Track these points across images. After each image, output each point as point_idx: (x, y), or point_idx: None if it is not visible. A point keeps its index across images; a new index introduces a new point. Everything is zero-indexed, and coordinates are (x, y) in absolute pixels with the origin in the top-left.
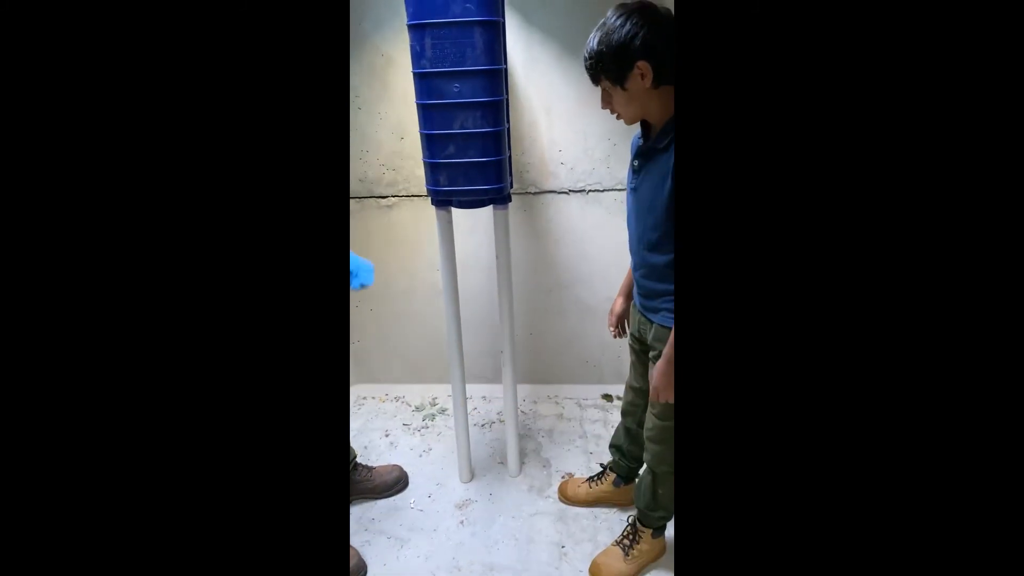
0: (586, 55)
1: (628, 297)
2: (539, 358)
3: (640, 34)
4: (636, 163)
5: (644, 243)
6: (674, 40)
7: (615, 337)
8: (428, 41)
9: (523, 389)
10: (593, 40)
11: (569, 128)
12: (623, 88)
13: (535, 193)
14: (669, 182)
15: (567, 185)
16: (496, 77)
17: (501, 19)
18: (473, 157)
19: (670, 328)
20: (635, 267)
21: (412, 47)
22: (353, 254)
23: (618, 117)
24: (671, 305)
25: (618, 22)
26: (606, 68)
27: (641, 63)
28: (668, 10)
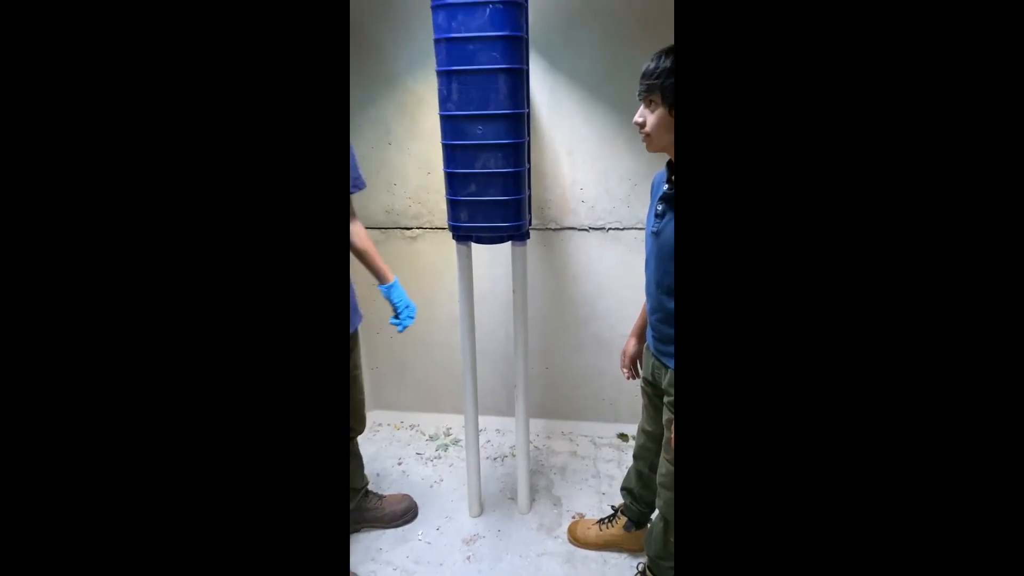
0: (651, 67)
1: (640, 338)
2: (555, 393)
3: None
4: (660, 208)
5: (663, 288)
6: None
7: (628, 379)
8: (455, 86)
9: (537, 424)
10: (666, 60)
11: (591, 168)
12: (670, 112)
13: (555, 229)
14: None
15: (587, 222)
16: (518, 120)
17: (525, 67)
18: (493, 195)
19: None
20: (651, 311)
21: (440, 91)
22: (404, 292)
23: (645, 139)
24: None
25: (674, 64)
26: (666, 87)
27: None
28: None
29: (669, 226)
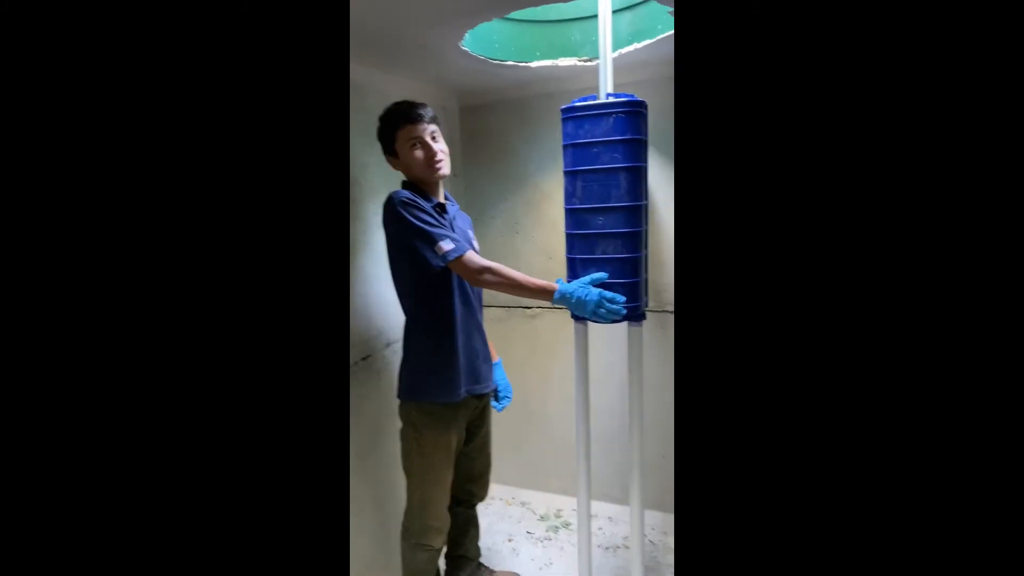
0: None
1: None
2: (672, 483)
3: None
4: None
5: None
6: None
7: None
8: (579, 184)
9: (653, 516)
10: None
11: None
12: None
13: (672, 312)
14: None
15: None
16: (636, 212)
17: (644, 164)
18: (611, 279)
19: None
20: None
21: (566, 188)
22: (504, 373)
23: None
24: None
25: None
26: None
27: None
28: None
29: None
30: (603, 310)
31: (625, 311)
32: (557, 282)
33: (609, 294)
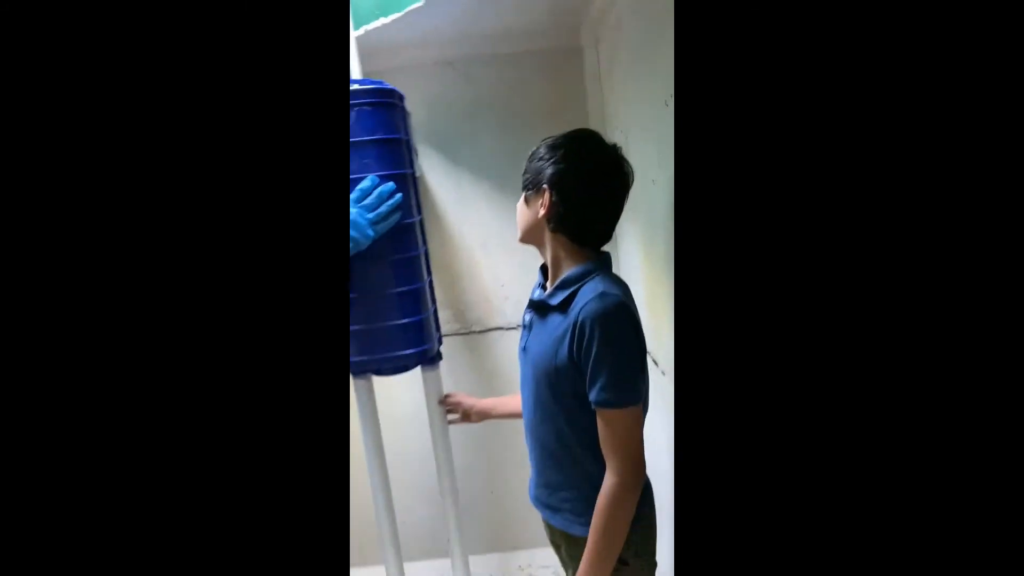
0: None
1: (491, 412)
2: (504, 520)
3: (550, 170)
4: (527, 317)
5: (538, 415)
6: (583, 196)
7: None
8: None
9: (490, 560)
10: (534, 148)
11: (511, 262)
12: (527, 203)
13: (480, 332)
14: (563, 349)
15: (514, 320)
16: (407, 231)
17: (409, 170)
18: (388, 320)
19: (576, 536)
20: (530, 448)
21: None
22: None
23: None
24: (573, 505)
25: (546, 152)
26: (523, 175)
27: (544, 191)
28: (601, 160)
29: (536, 341)
30: (377, 214)
31: (397, 194)
32: None
33: (364, 197)
